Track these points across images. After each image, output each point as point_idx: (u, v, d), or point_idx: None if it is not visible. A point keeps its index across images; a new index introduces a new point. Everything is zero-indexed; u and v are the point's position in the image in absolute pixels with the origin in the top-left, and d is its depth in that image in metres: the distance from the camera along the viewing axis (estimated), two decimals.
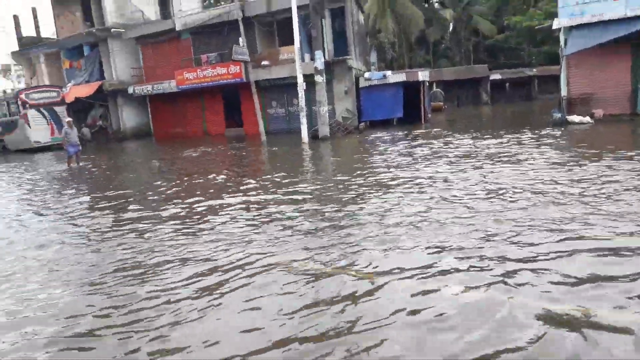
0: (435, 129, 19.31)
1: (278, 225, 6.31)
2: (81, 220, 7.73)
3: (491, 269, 4.27)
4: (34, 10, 34.89)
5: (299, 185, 9.10)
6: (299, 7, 18.50)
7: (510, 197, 6.77)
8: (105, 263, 5.34)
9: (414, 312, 3.57)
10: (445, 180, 8.35)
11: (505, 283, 3.95)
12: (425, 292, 3.89)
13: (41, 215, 8.38)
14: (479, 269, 4.30)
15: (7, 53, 34.11)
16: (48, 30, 36.30)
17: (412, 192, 7.65)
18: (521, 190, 7.11)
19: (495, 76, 42.20)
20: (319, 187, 8.83)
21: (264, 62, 22.74)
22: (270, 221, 6.56)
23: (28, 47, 33.41)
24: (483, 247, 4.82)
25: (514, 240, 4.98)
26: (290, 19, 18.29)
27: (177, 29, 25.31)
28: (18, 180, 13.91)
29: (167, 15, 30.09)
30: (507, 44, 48.75)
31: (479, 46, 50.84)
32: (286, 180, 9.74)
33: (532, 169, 8.76)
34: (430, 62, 49.53)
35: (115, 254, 5.64)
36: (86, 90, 27.94)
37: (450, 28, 49.62)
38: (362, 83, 22.18)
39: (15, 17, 34.83)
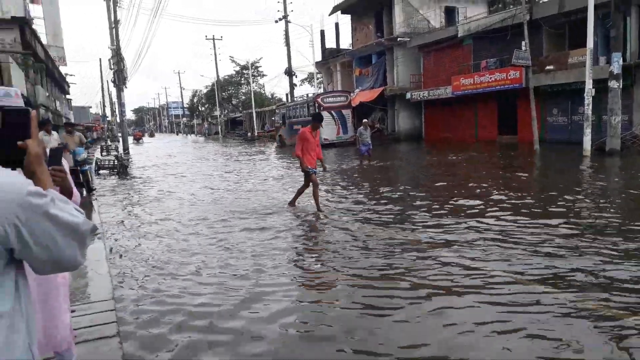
0: None
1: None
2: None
3: None
4: (336, 25, 40.13)
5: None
6: (598, 6, 16.42)
7: None
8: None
9: None
10: None
11: None
12: None
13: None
14: None
15: (312, 63, 40.01)
16: (346, 42, 41.27)
17: None
18: None
19: None
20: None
21: (548, 67, 20.95)
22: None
23: (328, 58, 38.62)
24: None
25: None
26: (586, 19, 16.37)
27: (459, 35, 25.50)
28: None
29: (451, 22, 30.63)
30: None
31: None
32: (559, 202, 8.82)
33: None
34: None
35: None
36: (369, 95, 30.77)
37: None
38: None
39: (322, 32, 40.66)
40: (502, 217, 7.27)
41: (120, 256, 6.28)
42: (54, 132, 8.94)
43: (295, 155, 8.66)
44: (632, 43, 18.87)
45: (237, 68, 63.13)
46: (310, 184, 8.75)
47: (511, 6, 31.27)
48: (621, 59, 16.25)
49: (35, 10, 29.86)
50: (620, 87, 16.29)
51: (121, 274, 5.44)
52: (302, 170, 8.84)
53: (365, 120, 18.72)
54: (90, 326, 3.65)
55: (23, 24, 19.73)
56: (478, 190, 10.02)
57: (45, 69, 26.63)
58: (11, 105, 2.15)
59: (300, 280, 5.10)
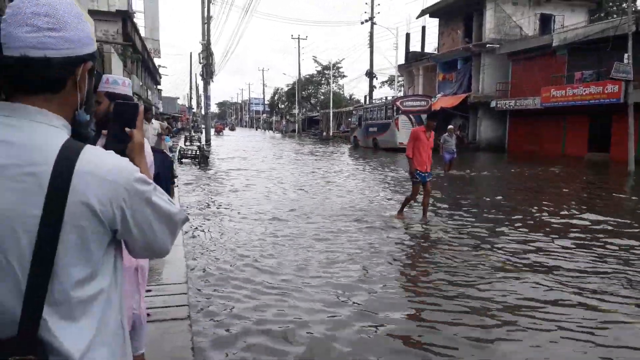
0: None
1: None
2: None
3: None
4: (423, 29, 39.47)
5: None
6: None
7: None
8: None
9: None
10: None
11: None
12: None
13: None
14: None
15: (395, 66, 39.62)
16: (431, 46, 40.48)
17: None
18: None
19: None
20: None
21: None
22: None
23: (411, 61, 38.06)
24: None
25: None
26: None
27: (553, 44, 24.15)
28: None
29: (546, 31, 29.10)
30: None
31: None
32: None
33: None
34: None
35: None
36: (451, 101, 29.93)
37: None
38: None
39: (407, 35, 40.17)
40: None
41: (197, 241, 6.52)
42: (153, 121, 9.36)
43: (406, 156, 7.95)
44: None
45: (319, 68, 63.87)
46: (421, 191, 8.04)
47: (615, 16, 29.17)
48: None
49: (137, 4, 31.92)
50: None
51: (196, 259, 5.66)
52: (409, 173, 8.15)
53: (450, 126, 17.63)
54: (163, 307, 3.79)
55: (126, 17, 21.13)
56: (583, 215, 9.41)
57: (141, 59, 28.36)
58: (125, 94, 2.42)
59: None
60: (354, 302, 4.44)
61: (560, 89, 23.03)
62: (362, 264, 5.61)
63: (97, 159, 1.02)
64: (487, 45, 28.70)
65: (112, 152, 1.08)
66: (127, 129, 1.24)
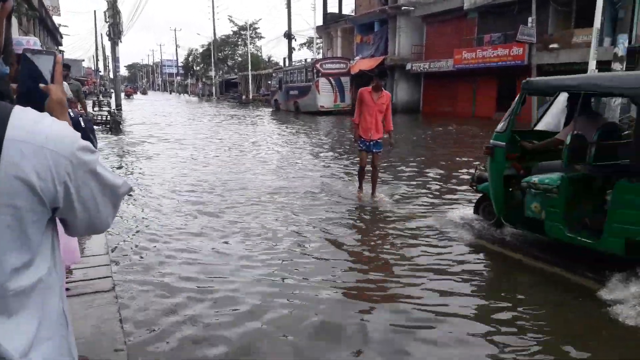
0: None
1: None
2: None
3: None
4: None
5: None
6: None
7: None
8: None
9: None
10: None
11: None
12: None
13: None
14: None
15: (313, 27, 39.21)
16: (348, 7, 40.46)
17: None
18: None
19: None
20: None
21: (552, 45, 20.68)
22: None
23: (330, 23, 37.88)
24: None
25: None
26: None
27: (464, 7, 25.00)
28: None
29: None
30: None
31: None
32: None
33: None
34: None
35: None
36: (369, 64, 30.26)
37: None
38: None
39: None
40: None
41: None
42: (64, 83, 8.47)
43: (352, 121, 6.92)
44: (639, 26, 18.63)
45: (235, 28, 61.78)
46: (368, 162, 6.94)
47: None
48: (627, 41, 16.03)
49: None
50: (624, 70, 16.11)
51: (116, 230, 5.41)
52: (354, 140, 7.09)
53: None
54: (85, 280, 3.59)
55: None
56: None
57: (38, 17, 25.85)
58: (34, 49, 2.04)
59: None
60: (289, 275, 4.48)
61: (470, 51, 24.05)
62: (284, 236, 5.63)
63: (31, 124, 0.84)
64: (403, 7, 29.13)
65: (47, 114, 0.91)
66: (41, 85, 1.04)
